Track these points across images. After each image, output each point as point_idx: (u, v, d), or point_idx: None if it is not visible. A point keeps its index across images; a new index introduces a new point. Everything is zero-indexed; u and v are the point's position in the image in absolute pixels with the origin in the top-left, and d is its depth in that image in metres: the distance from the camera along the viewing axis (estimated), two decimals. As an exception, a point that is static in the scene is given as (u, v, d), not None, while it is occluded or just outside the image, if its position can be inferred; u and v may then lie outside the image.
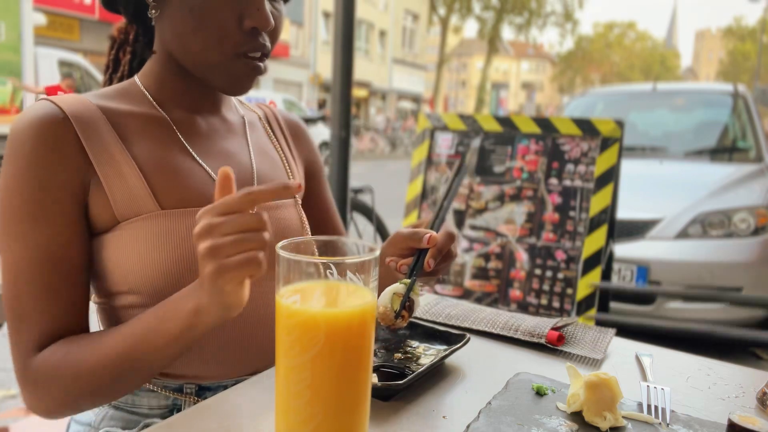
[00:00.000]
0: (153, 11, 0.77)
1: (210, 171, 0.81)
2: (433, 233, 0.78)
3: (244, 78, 0.78)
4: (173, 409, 0.78)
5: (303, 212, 0.93)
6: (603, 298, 1.98)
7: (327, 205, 1.07)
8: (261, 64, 0.79)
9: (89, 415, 0.81)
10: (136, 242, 0.73)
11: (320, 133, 12.11)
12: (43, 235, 0.69)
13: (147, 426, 0.76)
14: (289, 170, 0.95)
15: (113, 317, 0.78)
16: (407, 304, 0.73)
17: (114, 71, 0.92)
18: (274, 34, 0.80)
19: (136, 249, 0.73)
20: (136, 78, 0.84)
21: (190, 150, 0.81)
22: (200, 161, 0.81)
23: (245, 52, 0.76)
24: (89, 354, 0.67)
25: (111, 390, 0.69)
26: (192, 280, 0.68)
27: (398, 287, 0.74)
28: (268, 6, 0.76)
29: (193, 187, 0.78)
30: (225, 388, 0.78)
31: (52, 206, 0.70)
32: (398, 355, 0.79)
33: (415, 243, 0.78)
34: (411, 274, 0.76)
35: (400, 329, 0.84)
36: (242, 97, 0.92)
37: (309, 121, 4.77)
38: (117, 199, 0.73)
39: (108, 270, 0.75)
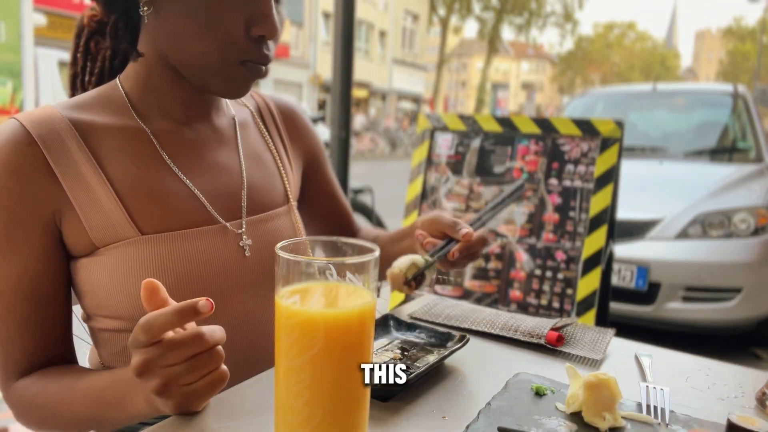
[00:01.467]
0: (145, 8, 0.72)
1: (194, 189, 0.77)
2: (471, 230, 0.82)
3: (244, 83, 0.76)
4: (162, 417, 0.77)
5: (298, 218, 0.91)
6: (603, 299, 1.98)
7: (333, 190, 1.04)
8: (263, 72, 0.76)
9: None
10: (115, 270, 0.70)
11: (320, 133, 12.12)
12: (14, 269, 0.68)
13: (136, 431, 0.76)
14: (283, 173, 0.91)
15: (98, 337, 0.77)
16: (419, 278, 0.78)
17: (88, 71, 0.84)
18: (276, 39, 0.78)
19: (116, 276, 0.70)
20: (117, 81, 0.78)
21: (172, 166, 0.76)
22: (183, 178, 0.76)
23: (248, 60, 0.73)
24: (55, 404, 0.68)
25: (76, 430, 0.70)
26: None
27: (418, 259, 0.80)
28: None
29: (175, 208, 0.74)
30: None
31: (21, 241, 0.68)
32: (398, 356, 0.79)
33: (452, 232, 0.83)
34: (434, 254, 0.82)
35: (403, 295, 0.89)
36: None
37: (309, 121, 4.76)
38: (93, 226, 0.70)
39: (87, 293, 0.73)
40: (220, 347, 0.55)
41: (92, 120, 0.74)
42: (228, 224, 0.78)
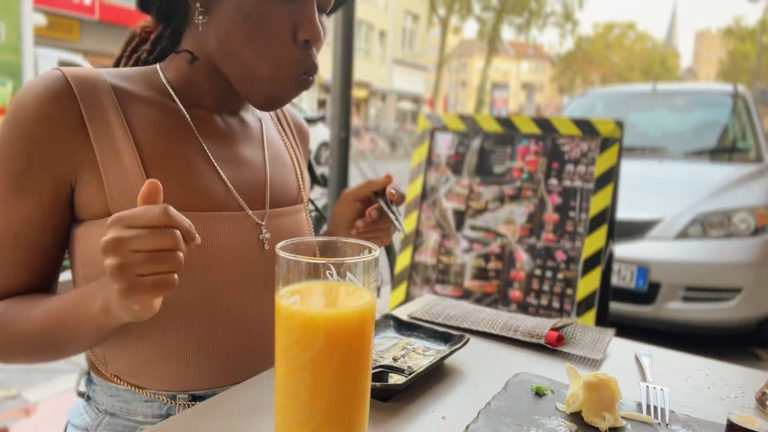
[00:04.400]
0: (200, 17, 0.74)
1: (222, 174, 0.79)
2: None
3: (290, 97, 0.76)
4: (167, 418, 0.77)
5: (308, 215, 0.93)
6: (603, 299, 1.98)
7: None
8: (311, 78, 0.76)
9: (86, 419, 0.80)
10: None
11: (320, 133, 12.10)
12: (16, 213, 0.70)
13: None
14: (300, 176, 0.94)
15: None
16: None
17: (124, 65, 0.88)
18: (319, 48, 0.78)
19: None
20: (158, 67, 0.81)
21: (205, 148, 0.78)
22: (213, 162, 0.78)
23: (304, 72, 0.74)
24: (19, 321, 0.69)
25: (40, 356, 0.72)
26: (188, 287, 0.71)
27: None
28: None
29: (201, 189, 0.75)
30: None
31: (30, 188, 0.69)
32: (397, 356, 0.79)
33: (372, 186, 0.85)
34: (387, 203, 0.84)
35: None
36: None
37: (309, 121, 4.77)
38: (113, 189, 0.70)
39: (92, 259, 0.72)
40: (181, 255, 0.55)
41: (132, 90, 0.76)
42: (251, 213, 0.80)
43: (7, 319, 0.70)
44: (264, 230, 0.81)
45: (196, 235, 0.56)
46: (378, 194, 0.85)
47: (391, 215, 0.83)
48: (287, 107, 1.02)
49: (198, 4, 0.74)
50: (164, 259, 0.54)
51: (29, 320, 0.69)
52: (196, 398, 0.77)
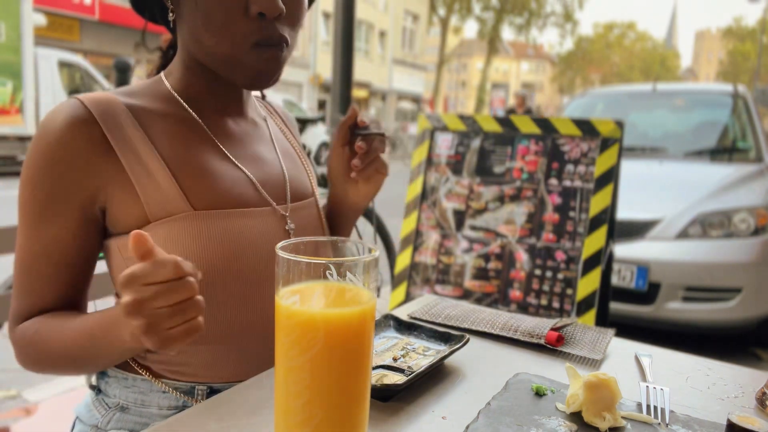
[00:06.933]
0: (171, 14, 0.78)
1: (246, 171, 0.82)
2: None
3: (262, 70, 0.76)
4: (183, 410, 0.78)
5: (321, 210, 0.96)
6: (603, 299, 1.98)
7: None
8: (279, 53, 0.76)
9: (95, 416, 0.81)
10: (166, 242, 0.73)
11: (320, 133, 12.10)
12: (46, 234, 0.73)
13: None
14: (307, 168, 0.97)
15: None
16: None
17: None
18: (292, 21, 0.77)
19: (167, 249, 0.72)
20: (162, 76, 0.84)
21: (225, 150, 0.81)
22: (234, 161, 0.81)
23: (257, 42, 0.74)
24: (50, 340, 0.72)
25: (71, 371, 0.75)
26: (224, 282, 0.74)
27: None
28: None
29: (226, 188, 0.78)
30: None
31: (59, 210, 0.73)
32: (397, 356, 0.79)
33: (347, 122, 0.88)
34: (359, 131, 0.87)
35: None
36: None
37: (309, 121, 4.77)
38: (149, 199, 0.73)
39: None
40: (201, 298, 0.57)
41: (144, 105, 0.79)
42: (278, 207, 0.83)
43: (41, 337, 0.73)
44: (289, 221, 0.84)
45: (199, 272, 0.59)
46: (354, 128, 0.89)
47: (373, 132, 0.86)
48: (276, 105, 1.04)
49: (168, 3, 0.78)
50: (188, 308, 0.56)
51: (62, 339, 0.72)
52: (214, 391, 0.78)
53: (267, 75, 0.77)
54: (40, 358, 0.74)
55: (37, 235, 0.73)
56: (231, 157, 0.81)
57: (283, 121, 1.02)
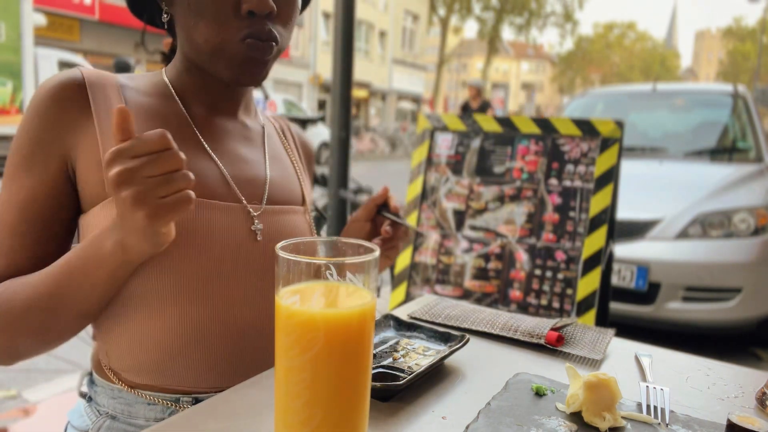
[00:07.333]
0: (165, 15, 0.80)
1: (222, 167, 0.82)
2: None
3: (248, 62, 0.76)
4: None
5: (311, 219, 0.95)
6: (603, 299, 1.98)
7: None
8: (267, 49, 0.76)
9: (86, 422, 0.80)
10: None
11: (320, 133, 12.10)
12: (24, 185, 0.73)
13: None
14: (301, 180, 0.96)
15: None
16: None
17: None
18: (283, 20, 0.78)
19: None
20: (162, 71, 0.86)
21: (204, 143, 0.82)
22: (213, 156, 0.82)
23: (247, 35, 0.74)
24: (21, 290, 0.69)
25: (44, 328, 0.69)
26: (180, 270, 0.73)
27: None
28: None
29: (199, 181, 0.77)
30: None
31: (39, 163, 0.73)
32: (397, 356, 0.79)
33: (376, 201, 0.92)
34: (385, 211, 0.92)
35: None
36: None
37: (309, 121, 4.77)
38: None
39: None
40: (189, 172, 0.59)
41: (137, 87, 0.81)
42: (247, 205, 0.82)
43: (7, 295, 0.69)
44: (257, 221, 0.82)
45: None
46: (382, 207, 0.91)
47: (402, 222, 0.89)
48: (295, 128, 1.05)
49: (163, 4, 0.80)
50: (177, 178, 0.57)
51: (29, 287, 0.69)
52: (199, 401, 0.77)
53: (252, 69, 0.77)
54: (7, 322, 0.68)
55: (17, 186, 0.73)
56: (209, 150, 0.82)
57: (295, 142, 1.01)
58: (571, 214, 1.95)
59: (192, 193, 0.59)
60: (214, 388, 0.77)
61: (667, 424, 0.65)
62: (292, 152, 0.99)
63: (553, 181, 1.99)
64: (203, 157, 0.81)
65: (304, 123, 4.53)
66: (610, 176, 1.92)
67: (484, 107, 8.13)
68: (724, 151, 4.13)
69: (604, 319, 2.01)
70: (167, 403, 0.76)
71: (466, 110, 8.28)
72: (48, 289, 0.68)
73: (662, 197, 3.40)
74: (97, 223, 0.73)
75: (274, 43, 0.77)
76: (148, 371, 0.75)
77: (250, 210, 0.82)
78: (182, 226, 0.73)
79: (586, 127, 1.98)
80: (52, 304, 0.68)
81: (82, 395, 0.85)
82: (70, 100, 0.74)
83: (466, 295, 2.05)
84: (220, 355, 0.77)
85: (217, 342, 0.77)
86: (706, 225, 3.18)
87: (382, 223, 0.95)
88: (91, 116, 0.74)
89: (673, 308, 3.09)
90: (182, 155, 0.58)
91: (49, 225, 0.74)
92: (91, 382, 0.82)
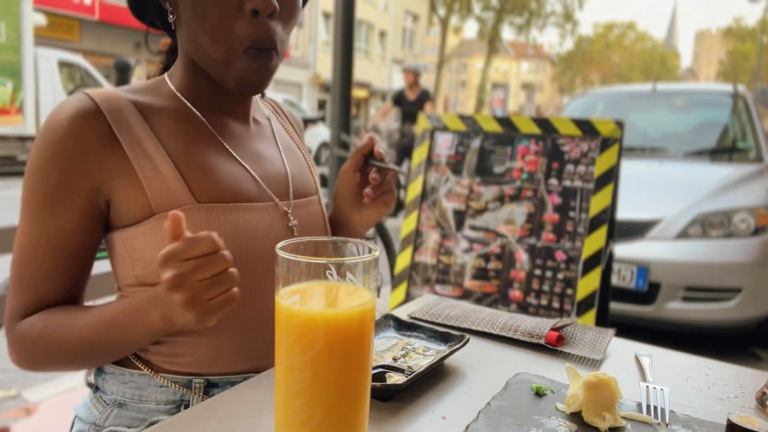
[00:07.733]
0: (171, 16, 0.79)
1: (248, 168, 0.83)
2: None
3: (251, 77, 0.77)
4: (180, 404, 0.78)
5: (324, 207, 0.97)
6: (603, 299, 1.98)
7: None
8: (269, 62, 0.77)
9: (94, 413, 0.81)
10: None
11: (320, 133, 12.10)
12: (50, 224, 0.74)
13: (153, 424, 0.76)
14: (311, 167, 0.98)
15: None
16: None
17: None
18: (285, 19, 0.78)
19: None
20: (165, 77, 0.85)
21: (227, 147, 0.82)
22: (237, 158, 0.83)
23: (250, 46, 0.75)
24: (62, 333, 0.72)
25: (80, 365, 0.76)
26: None
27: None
28: None
29: (230, 184, 0.79)
30: (233, 384, 0.78)
31: (64, 201, 0.73)
32: (397, 356, 0.79)
33: (363, 150, 0.91)
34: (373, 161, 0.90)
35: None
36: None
37: (309, 121, 4.77)
38: (154, 192, 0.74)
39: (139, 261, 0.76)
40: (235, 270, 0.61)
41: (148, 102, 0.80)
42: (279, 203, 0.84)
43: (51, 332, 0.73)
44: (292, 218, 0.85)
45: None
46: (368, 157, 0.91)
47: (387, 166, 0.89)
48: (283, 106, 1.06)
49: (167, 5, 0.79)
50: (225, 279, 0.60)
51: (76, 330, 0.72)
52: (211, 384, 0.78)
53: (256, 83, 0.79)
54: (49, 354, 0.74)
55: (41, 226, 0.73)
56: (233, 153, 0.83)
57: (289, 121, 1.03)
58: (571, 214, 1.95)
59: (236, 290, 0.61)
60: (227, 371, 0.79)
61: (667, 424, 0.65)
62: (294, 135, 1.01)
63: (553, 181, 1.99)
64: (231, 162, 0.82)
65: (304, 123, 4.53)
66: (610, 176, 1.92)
67: (423, 98, 6.66)
68: (724, 151, 4.13)
69: (604, 319, 2.01)
70: (179, 387, 0.77)
71: (399, 102, 6.86)
72: (93, 339, 0.72)
73: (662, 197, 3.40)
74: (140, 246, 0.75)
75: (275, 52, 0.78)
76: (168, 354, 0.78)
77: (284, 207, 0.85)
78: (224, 228, 0.76)
79: (586, 127, 1.98)
80: (96, 349, 0.73)
81: (89, 385, 0.86)
82: (91, 134, 0.73)
83: (466, 295, 2.05)
84: (247, 346, 0.79)
85: (248, 333, 0.79)
86: (706, 225, 3.17)
87: (370, 171, 0.95)
88: (117, 141, 0.74)
89: (673, 308, 3.09)
90: (228, 255, 0.60)
91: (78, 259, 0.76)
92: (99, 371, 0.83)
